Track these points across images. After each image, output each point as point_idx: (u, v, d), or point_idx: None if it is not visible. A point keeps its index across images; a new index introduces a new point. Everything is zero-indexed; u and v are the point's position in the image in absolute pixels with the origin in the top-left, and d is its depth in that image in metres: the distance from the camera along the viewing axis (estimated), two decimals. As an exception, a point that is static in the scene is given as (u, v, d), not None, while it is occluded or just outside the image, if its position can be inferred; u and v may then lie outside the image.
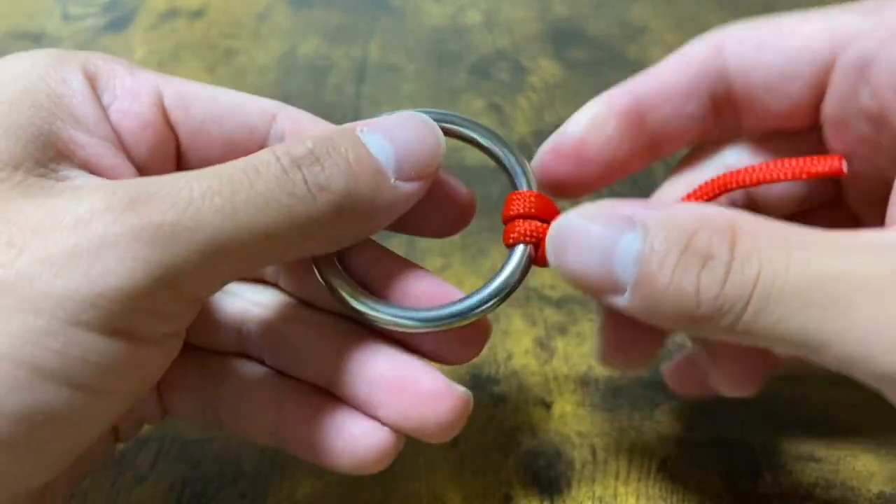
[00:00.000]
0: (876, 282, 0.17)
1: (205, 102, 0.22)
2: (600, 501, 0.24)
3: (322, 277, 0.21)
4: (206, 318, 0.23)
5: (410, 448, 0.26)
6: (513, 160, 0.22)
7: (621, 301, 0.19)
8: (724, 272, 0.17)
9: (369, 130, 0.20)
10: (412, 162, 0.20)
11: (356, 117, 0.45)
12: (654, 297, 0.18)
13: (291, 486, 0.25)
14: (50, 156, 0.18)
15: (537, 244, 0.21)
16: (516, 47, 0.53)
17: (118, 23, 0.57)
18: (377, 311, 0.21)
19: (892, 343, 0.16)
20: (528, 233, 0.21)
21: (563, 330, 0.30)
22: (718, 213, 0.18)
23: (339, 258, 0.22)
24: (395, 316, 0.21)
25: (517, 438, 0.26)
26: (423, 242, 0.35)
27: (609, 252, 0.19)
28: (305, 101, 0.46)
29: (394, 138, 0.20)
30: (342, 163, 0.19)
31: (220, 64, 0.51)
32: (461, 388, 0.21)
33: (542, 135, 0.43)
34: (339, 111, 0.45)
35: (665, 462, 0.25)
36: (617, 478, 0.25)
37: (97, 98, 0.20)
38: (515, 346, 0.30)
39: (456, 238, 0.35)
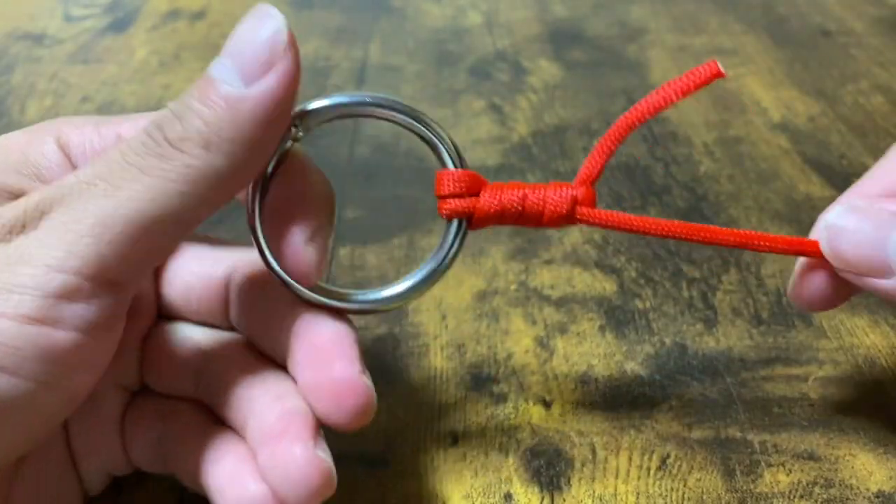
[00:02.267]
0: None
1: (81, 145, 0.22)
2: (600, 500, 0.24)
3: (260, 254, 0.22)
4: (168, 363, 0.23)
5: (410, 447, 0.26)
6: (437, 138, 0.23)
7: (889, 284, 0.22)
8: None
9: (218, 60, 0.20)
10: (252, 60, 0.19)
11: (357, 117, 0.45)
12: None
13: (292, 485, 0.25)
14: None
15: (470, 216, 0.23)
16: (516, 48, 0.53)
17: (119, 24, 0.57)
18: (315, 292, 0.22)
19: None
20: (461, 208, 0.23)
21: (563, 329, 0.30)
22: None
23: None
24: (335, 302, 0.22)
25: (517, 437, 0.26)
26: (423, 241, 0.35)
27: (882, 243, 0.22)
28: (306, 102, 0.46)
29: (232, 52, 0.20)
30: (193, 105, 0.19)
31: (220, 65, 0.51)
32: (326, 462, 0.21)
33: (542, 135, 0.43)
34: (339, 112, 0.45)
35: (665, 461, 0.25)
36: (617, 476, 0.25)
37: (72, 165, 0.22)
38: (515, 346, 0.30)
39: (456, 238, 0.35)
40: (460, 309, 0.32)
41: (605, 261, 0.34)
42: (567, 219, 0.23)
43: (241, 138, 0.19)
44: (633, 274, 0.33)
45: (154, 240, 0.19)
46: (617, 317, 0.31)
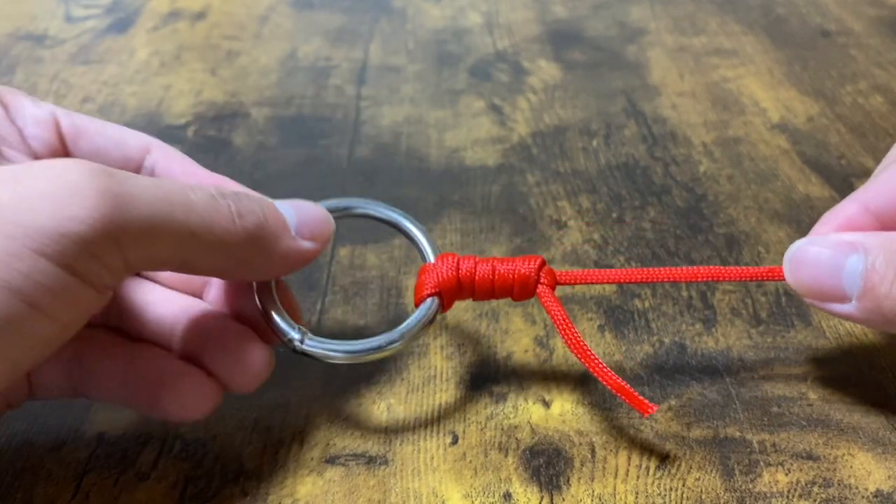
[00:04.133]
0: None
1: (92, 135, 0.25)
2: (599, 499, 0.24)
3: (262, 306, 0.25)
4: None
5: (410, 446, 0.26)
6: (420, 235, 0.27)
7: (846, 308, 0.24)
8: None
9: (280, 201, 0.25)
10: (309, 226, 0.25)
11: (357, 118, 0.45)
12: (875, 306, 0.23)
13: (292, 484, 0.25)
14: None
15: (442, 297, 0.26)
16: (516, 49, 0.53)
17: (121, 24, 0.57)
18: (305, 342, 0.25)
19: None
20: (435, 291, 0.26)
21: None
22: None
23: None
24: (324, 349, 0.25)
25: (517, 437, 0.26)
26: (424, 242, 0.35)
27: (838, 270, 0.24)
28: (306, 103, 0.47)
29: (295, 207, 0.25)
30: (257, 207, 0.23)
31: (221, 65, 0.51)
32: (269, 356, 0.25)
33: (541, 135, 0.43)
34: (339, 112, 0.46)
35: (664, 460, 0.25)
36: (616, 476, 0.25)
37: (13, 122, 0.24)
38: (515, 345, 0.30)
39: (456, 238, 0.35)
40: (460, 308, 0.32)
41: (605, 261, 0.34)
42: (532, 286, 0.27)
43: (270, 257, 0.24)
44: (633, 274, 0.33)
45: (173, 255, 0.22)
46: (616, 316, 0.31)
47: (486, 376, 0.29)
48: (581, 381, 0.28)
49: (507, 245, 0.35)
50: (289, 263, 0.24)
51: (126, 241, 0.21)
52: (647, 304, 0.32)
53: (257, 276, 0.25)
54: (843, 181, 0.39)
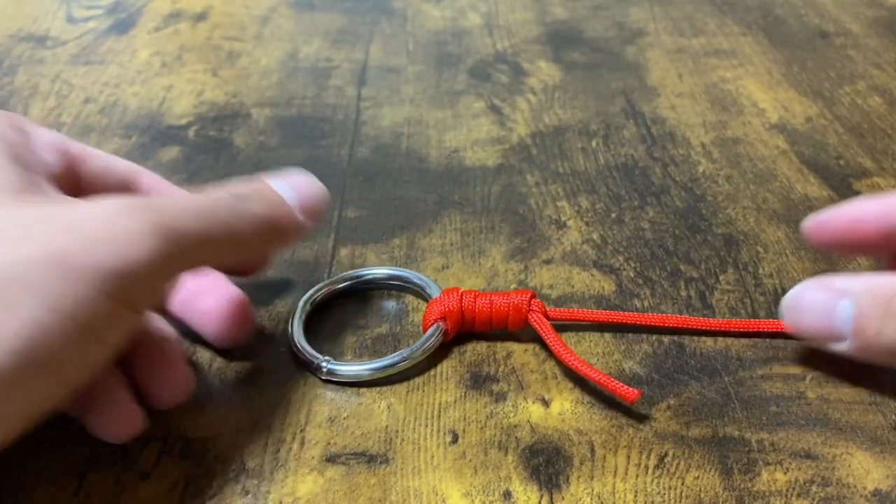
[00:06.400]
0: None
1: (92, 159, 0.28)
2: (598, 498, 0.24)
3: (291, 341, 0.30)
4: None
5: (411, 445, 0.26)
6: (420, 280, 0.32)
7: (842, 346, 0.27)
8: None
9: (277, 181, 0.28)
10: (306, 201, 0.28)
11: (357, 118, 0.45)
12: (865, 344, 0.26)
13: (293, 483, 0.25)
14: (35, 183, 0.24)
15: (446, 324, 0.30)
16: (515, 49, 0.53)
17: (122, 25, 0.57)
18: (329, 363, 0.29)
19: None
20: (440, 318, 0.30)
21: (561, 328, 0.31)
22: None
23: None
24: (351, 369, 0.29)
25: (516, 436, 0.27)
26: (423, 241, 0.35)
27: (831, 314, 0.27)
28: (307, 103, 0.47)
29: (294, 185, 0.28)
30: (264, 199, 0.26)
31: (223, 66, 0.51)
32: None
33: (540, 136, 0.43)
34: (340, 112, 0.46)
35: (662, 459, 0.26)
36: (615, 475, 0.25)
37: (36, 150, 0.26)
38: (515, 345, 0.30)
39: (456, 238, 0.36)
40: (460, 308, 0.32)
41: (604, 260, 0.34)
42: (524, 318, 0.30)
43: (282, 235, 0.27)
44: (632, 274, 0.33)
45: (208, 261, 0.26)
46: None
47: (486, 375, 0.29)
48: (580, 381, 0.28)
49: (506, 245, 0.35)
50: (295, 235, 0.28)
51: (174, 269, 0.23)
52: (646, 304, 0.32)
53: (275, 251, 0.28)
54: (842, 181, 0.39)
